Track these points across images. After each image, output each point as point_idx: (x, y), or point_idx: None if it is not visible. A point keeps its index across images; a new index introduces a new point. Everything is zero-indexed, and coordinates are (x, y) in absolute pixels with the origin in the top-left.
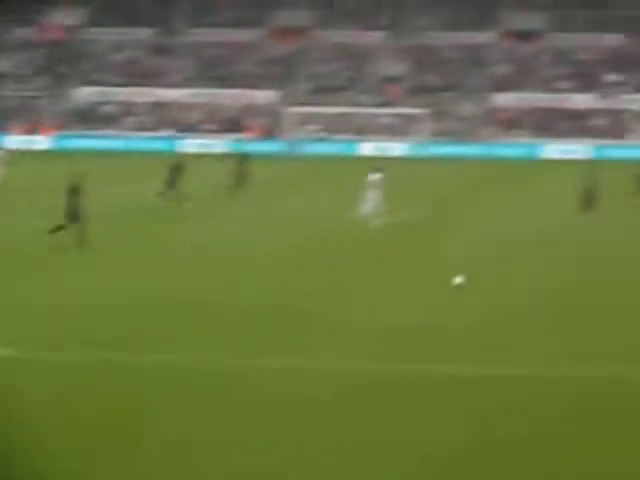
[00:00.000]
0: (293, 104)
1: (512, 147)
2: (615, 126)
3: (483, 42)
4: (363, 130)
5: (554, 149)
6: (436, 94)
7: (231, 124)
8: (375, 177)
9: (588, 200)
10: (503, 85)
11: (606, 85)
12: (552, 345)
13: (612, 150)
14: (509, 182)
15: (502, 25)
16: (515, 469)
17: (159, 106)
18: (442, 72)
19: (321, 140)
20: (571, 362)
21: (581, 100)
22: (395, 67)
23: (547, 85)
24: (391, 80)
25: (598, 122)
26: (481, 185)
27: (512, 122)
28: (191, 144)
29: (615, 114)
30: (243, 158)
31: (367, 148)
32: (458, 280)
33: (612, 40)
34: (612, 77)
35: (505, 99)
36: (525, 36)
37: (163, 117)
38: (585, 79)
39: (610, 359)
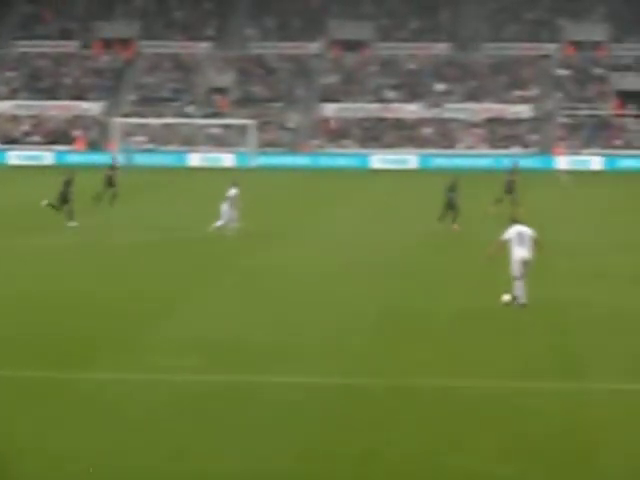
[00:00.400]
0: (120, 115)
1: (340, 157)
2: (443, 135)
3: (310, 52)
4: (191, 141)
5: (382, 159)
6: (263, 104)
7: (58, 136)
8: (233, 191)
9: (449, 210)
10: (330, 95)
11: (434, 94)
12: (364, 355)
13: (440, 159)
14: (339, 192)
15: (329, 35)
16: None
17: None
18: (269, 82)
19: (149, 151)
20: (386, 372)
21: (409, 109)
22: (222, 78)
23: (375, 95)
24: (218, 91)
25: (426, 131)
26: (310, 195)
27: (340, 132)
28: (17, 156)
29: (443, 123)
30: (114, 168)
31: (195, 159)
32: (506, 298)
33: (439, 49)
34: (439, 86)
35: (333, 109)
36: (352, 46)
37: None
38: (412, 88)
39: (435, 369)
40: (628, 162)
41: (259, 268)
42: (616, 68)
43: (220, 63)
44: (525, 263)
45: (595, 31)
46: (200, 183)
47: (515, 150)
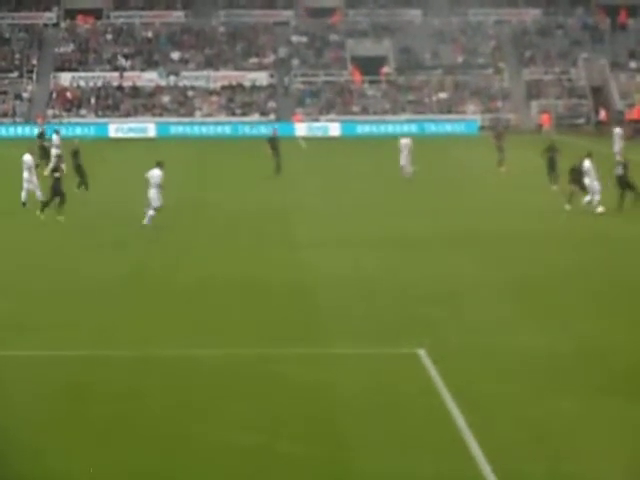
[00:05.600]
0: None
1: (78, 127)
2: (181, 103)
3: (44, 21)
4: None
5: (120, 127)
6: None
7: None
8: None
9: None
10: (66, 64)
11: (170, 62)
12: (104, 326)
13: (178, 127)
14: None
15: (63, 4)
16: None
17: None
18: (3, 53)
19: None
20: (127, 342)
21: (146, 78)
22: None
23: (110, 64)
24: None
25: (164, 99)
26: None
27: (76, 101)
28: None
29: (180, 91)
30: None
31: None
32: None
33: (174, 17)
34: (176, 54)
35: (68, 78)
36: (87, 15)
37: None
38: (149, 57)
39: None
40: (365, 128)
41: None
42: (351, 34)
43: None
44: None
45: None
46: None
47: (254, 117)
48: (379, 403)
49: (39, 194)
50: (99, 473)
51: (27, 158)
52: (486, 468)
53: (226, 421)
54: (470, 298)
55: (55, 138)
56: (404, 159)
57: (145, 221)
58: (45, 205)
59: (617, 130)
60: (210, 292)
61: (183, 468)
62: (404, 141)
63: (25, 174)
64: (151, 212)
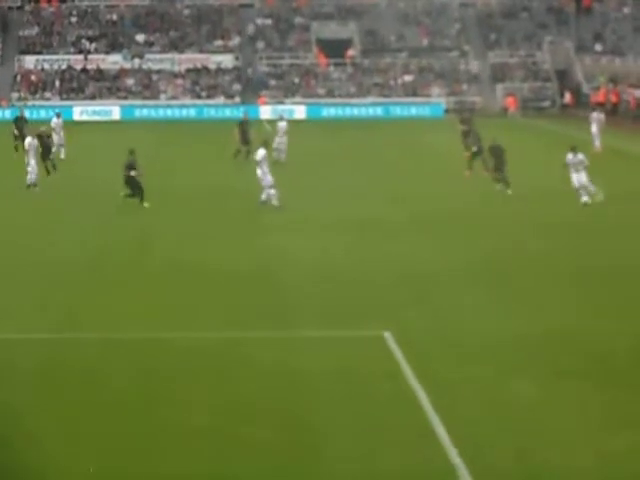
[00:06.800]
0: None
1: (42, 109)
2: (145, 86)
3: (9, 4)
4: None
5: (85, 110)
6: None
7: None
8: None
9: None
10: (30, 47)
11: (135, 45)
12: (71, 309)
13: (143, 110)
14: None
15: None
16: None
17: None
18: None
19: None
20: (95, 325)
21: (110, 60)
22: None
23: (75, 46)
24: None
25: (128, 82)
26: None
27: (41, 84)
28: None
29: (145, 74)
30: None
31: None
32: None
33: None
34: (140, 37)
35: (33, 61)
36: None
37: None
38: (113, 39)
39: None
40: (330, 111)
41: None
42: (316, 17)
43: None
44: None
45: None
46: None
47: (219, 100)
48: (345, 386)
49: (33, 177)
50: (64, 454)
51: (29, 141)
52: (452, 451)
53: (193, 404)
54: (436, 281)
55: (55, 121)
56: (281, 143)
57: (262, 197)
58: (141, 196)
59: (598, 115)
60: (177, 276)
61: (148, 450)
62: (281, 124)
63: (28, 158)
64: (272, 191)
